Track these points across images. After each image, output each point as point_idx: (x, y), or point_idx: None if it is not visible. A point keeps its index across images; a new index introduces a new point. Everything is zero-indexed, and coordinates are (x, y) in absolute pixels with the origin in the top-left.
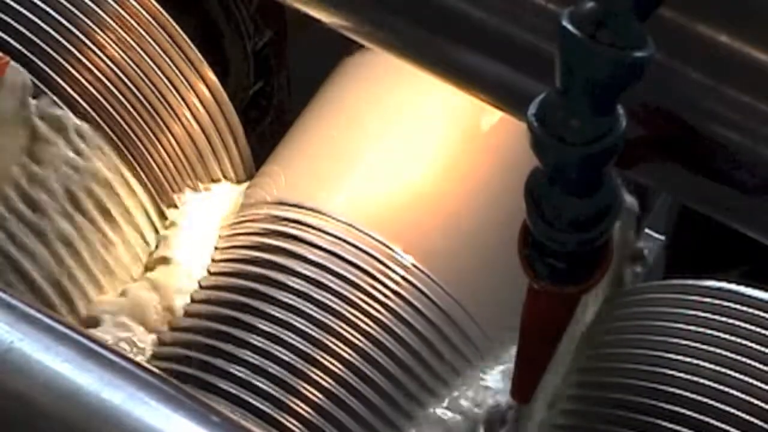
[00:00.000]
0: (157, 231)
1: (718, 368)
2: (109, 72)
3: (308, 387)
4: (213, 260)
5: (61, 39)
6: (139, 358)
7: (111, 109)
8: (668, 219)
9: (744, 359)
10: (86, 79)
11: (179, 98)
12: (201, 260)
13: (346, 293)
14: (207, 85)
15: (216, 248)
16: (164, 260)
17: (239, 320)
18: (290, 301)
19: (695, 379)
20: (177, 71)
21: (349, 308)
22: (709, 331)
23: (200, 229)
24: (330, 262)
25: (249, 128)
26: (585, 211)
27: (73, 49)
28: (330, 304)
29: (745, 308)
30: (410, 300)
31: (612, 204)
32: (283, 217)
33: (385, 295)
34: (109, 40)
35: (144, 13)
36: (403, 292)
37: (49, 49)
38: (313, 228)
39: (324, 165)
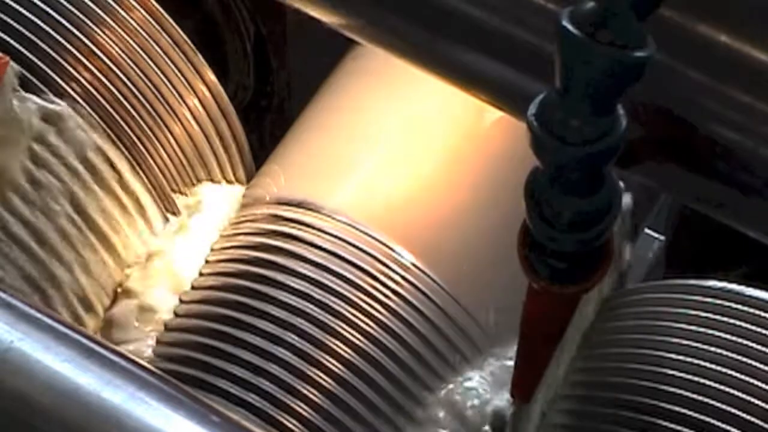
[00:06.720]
0: (156, 231)
1: (718, 368)
2: (109, 72)
3: (308, 387)
4: (213, 260)
5: (61, 39)
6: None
7: (111, 109)
8: (668, 219)
9: (744, 359)
10: (86, 79)
11: (179, 98)
12: (202, 260)
13: (346, 293)
14: (207, 85)
15: (216, 248)
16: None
17: (239, 320)
18: (290, 301)
19: (695, 379)
20: (177, 71)
21: (349, 308)
22: (710, 331)
23: (200, 229)
24: (330, 262)
25: (249, 128)
26: (585, 211)
27: (73, 49)
28: (330, 304)
29: (745, 308)
30: (410, 300)
31: (612, 203)
32: (282, 217)
33: (385, 295)
34: (109, 40)
35: (144, 12)
36: (403, 292)
37: (49, 49)
38: (313, 228)
39: (324, 165)
